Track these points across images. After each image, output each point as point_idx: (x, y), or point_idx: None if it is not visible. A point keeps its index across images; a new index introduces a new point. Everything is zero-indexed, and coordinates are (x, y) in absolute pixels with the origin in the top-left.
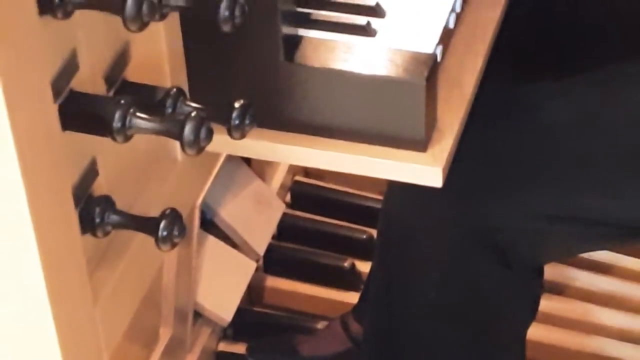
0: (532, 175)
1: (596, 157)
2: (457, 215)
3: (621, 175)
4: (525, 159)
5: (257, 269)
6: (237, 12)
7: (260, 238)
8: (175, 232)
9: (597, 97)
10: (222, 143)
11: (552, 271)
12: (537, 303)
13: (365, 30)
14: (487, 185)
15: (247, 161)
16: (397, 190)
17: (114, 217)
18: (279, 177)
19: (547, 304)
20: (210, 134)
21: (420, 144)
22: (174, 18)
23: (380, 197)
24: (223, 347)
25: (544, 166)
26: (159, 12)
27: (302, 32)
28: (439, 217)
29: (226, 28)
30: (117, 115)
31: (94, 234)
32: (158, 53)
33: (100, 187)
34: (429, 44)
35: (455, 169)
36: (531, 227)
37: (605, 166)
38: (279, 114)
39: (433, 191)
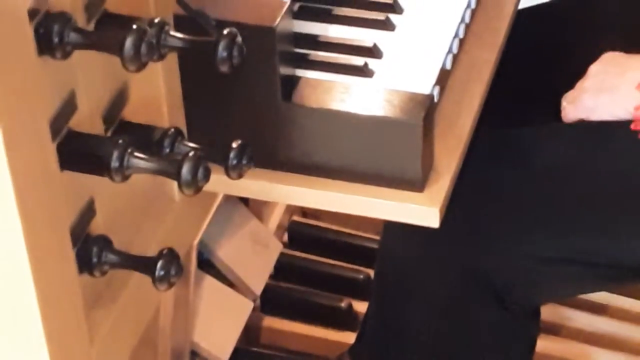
0: (529, 217)
1: (592, 198)
2: (453, 256)
3: (618, 216)
4: (522, 201)
5: (254, 309)
6: (235, 53)
7: (258, 278)
8: (173, 272)
9: (593, 139)
10: (219, 183)
11: (549, 311)
12: (533, 344)
13: (363, 71)
14: (483, 226)
15: (245, 201)
16: (393, 231)
17: (111, 257)
18: (276, 217)
19: (544, 344)
20: (207, 173)
21: (417, 184)
22: (173, 58)
23: (378, 237)
24: None
25: (541, 208)
26: (158, 52)
27: (299, 72)
28: (436, 257)
29: (224, 68)
30: (115, 155)
31: (91, 274)
32: (156, 93)
33: (97, 226)
34: (426, 85)
35: (451, 209)
36: (528, 268)
37: (602, 207)
38: (276, 153)
39: (430, 231)
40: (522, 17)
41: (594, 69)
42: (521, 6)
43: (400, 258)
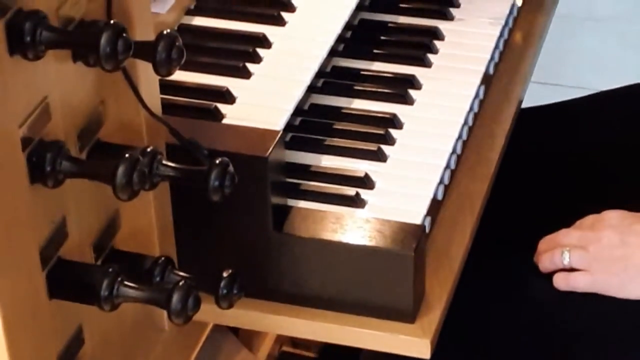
0: (522, 350)
1: (586, 333)
2: None
3: (614, 352)
4: (514, 334)
5: None
6: (227, 182)
7: None
8: None
9: None
10: (209, 312)
11: None
12: None
13: (354, 201)
14: (475, 358)
15: (234, 330)
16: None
17: None
18: (266, 347)
19: None
20: (197, 303)
21: (408, 316)
22: (164, 186)
23: None
24: None
25: (534, 341)
26: (150, 181)
27: (291, 202)
28: None
29: (216, 198)
30: (105, 284)
31: None
32: (147, 221)
33: (85, 355)
34: (417, 215)
35: (443, 341)
36: None
37: (596, 342)
38: (266, 283)
39: None
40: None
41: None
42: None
43: None
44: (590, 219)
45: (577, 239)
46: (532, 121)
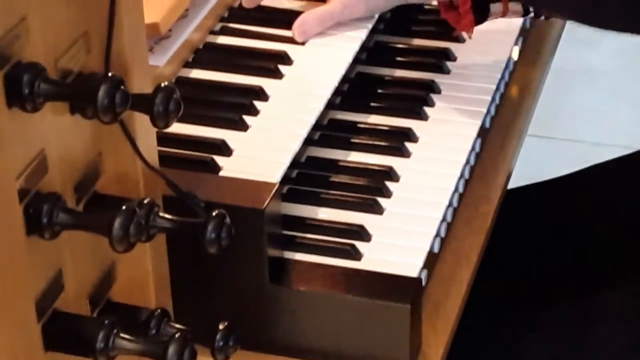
0: None
1: None
2: None
3: None
4: None
5: None
6: (223, 234)
7: None
8: None
9: (574, 333)
10: None
11: None
12: None
13: (351, 254)
14: None
15: None
16: None
17: None
18: None
19: None
20: (193, 356)
21: None
22: (161, 238)
23: None
24: None
25: None
26: (146, 233)
27: (287, 254)
28: None
29: (212, 250)
30: (101, 336)
31: None
32: (143, 273)
33: None
34: (413, 268)
35: None
36: None
37: None
38: (263, 335)
39: None
40: (511, 199)
41: None
42: (510, 186)
43: None
44: None
45: None
46: (527, 194)
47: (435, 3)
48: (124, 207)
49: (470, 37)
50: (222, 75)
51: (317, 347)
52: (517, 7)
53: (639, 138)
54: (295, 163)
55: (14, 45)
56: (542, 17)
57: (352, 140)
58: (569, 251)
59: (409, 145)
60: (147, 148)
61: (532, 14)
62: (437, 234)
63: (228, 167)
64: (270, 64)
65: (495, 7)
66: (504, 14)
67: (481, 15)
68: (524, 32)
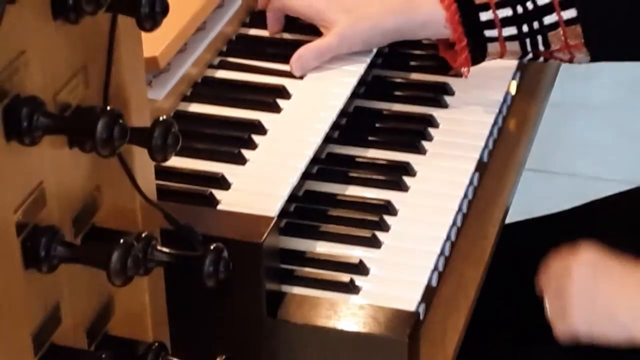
0: None
1: None
2: None
3: None
4: None
5: None
6: (221, 268)
7: None
8: None
9: None
10: None
11: None
12: None
13: (349, 288)
14: None
15: None
16: None
17: None
18: None
19: None
20: None
21: None
22: (158, 272)
23: None
24: None
25: None
26: (144, 267)
27: (285, 288)
28: None
29: (210, 283)
30: None
31: None
32: (141, 307)
33: None
34: (411, 302)
35: None
36: None
37: None
38: None
39: None
40: (509, 233)
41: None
42: (508, 221)
43: None
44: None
45: None
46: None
47: (433, 38)
48: (121, 241)
49: (466, 77)
50: (221, 109)
51: None
52: (514, 47)
53: (639, 172)
54: (293, 197)
55: (12, 79)
56: (541, 59)
57: (350, 174)
58: None
59: (407, 179)
60: (145, 181)
61: (530, 55)
62: (435, 268)
63: (226, 200)
64: (269, 97)
65: (492, 47)
66: (502, 54)
67: (478, 54)
68: (521, 67)
